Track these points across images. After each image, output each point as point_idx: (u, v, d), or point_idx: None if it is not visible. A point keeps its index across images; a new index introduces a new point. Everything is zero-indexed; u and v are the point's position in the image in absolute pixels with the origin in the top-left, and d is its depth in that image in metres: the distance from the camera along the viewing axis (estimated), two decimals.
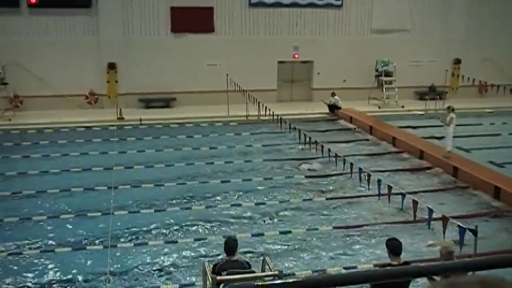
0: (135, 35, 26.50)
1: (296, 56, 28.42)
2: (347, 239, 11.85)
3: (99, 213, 13.03)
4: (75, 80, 25.32)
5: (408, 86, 28.22)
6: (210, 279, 6.79)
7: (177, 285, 9.71)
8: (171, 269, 10.50)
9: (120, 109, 23.84)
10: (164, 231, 12.24)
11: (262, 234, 11.90)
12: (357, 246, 11.53)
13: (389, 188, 12.25)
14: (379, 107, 26.82)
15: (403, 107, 26.69)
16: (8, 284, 9.90)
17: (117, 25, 26.03)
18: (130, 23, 26.43)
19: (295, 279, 2.59)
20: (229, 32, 27.53)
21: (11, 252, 11.18)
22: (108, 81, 26.26)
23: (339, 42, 28.27)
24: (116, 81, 26.25)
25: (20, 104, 25.27)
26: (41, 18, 25.42)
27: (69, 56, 25.52)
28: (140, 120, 23.45)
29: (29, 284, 9.94)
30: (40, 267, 10.53)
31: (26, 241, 11.69)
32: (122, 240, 11.67)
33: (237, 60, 26.54)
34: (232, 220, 12.85)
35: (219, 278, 6.82)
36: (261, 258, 8.23)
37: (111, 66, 26.12)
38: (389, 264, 7.34)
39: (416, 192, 13.86)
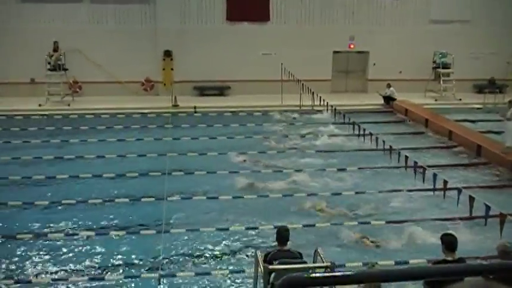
0: (191, 23, 26.77)
1: (352, 46, 28.09)
2: (401, 234, 11.67)
3: (153, 199, 13.26)
4: (132, 67, 25.78)
5: (466, 78, 27.41)
6: (262, 268, 6.83)
7: (227, 271, 9.80)
8: (222, 255, 10.61)
9: (175, 96, 24.16)
10: (217, 217, 12.36)
11: (313, 225, 11.87)
12: (414, 241, 11.33)
13: (445, 182, 12.00)
14: (436, 100, 26.26)
15: (460, 100, 26.06)
16: (63, 265, 10.20)
17: (173, 14, 26.35)
18: (187, 11, 26.72)
19: (347, 273, 2.57)
20: (285, 21, 27.45)
21: (68, 233, 11.52)
22: (163, 69, 26.63)
23: (395, 32, 27.74)
24: (172, 69, 26.59)
25: (78, 90, 25.97)
26: (101, 6, 26.08)
27: (126, 44, 26.00)
28: (194, 108, 23.69)
29: (84, 266, 10.20)
30: (94, 250, 10.81)
31: (81, 222, 12.03)
32: (175, 225, 11.84)
33: (291, 50, 26.42)
34: (281, 210, 12.81)
35: (270, 267, 6.84)
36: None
37: (167, 54, 26.48)
38: (444, 260, 7.20)
39: (472, 187, 13.52)
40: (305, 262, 7.30)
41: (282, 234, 7.64)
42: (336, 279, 2.52)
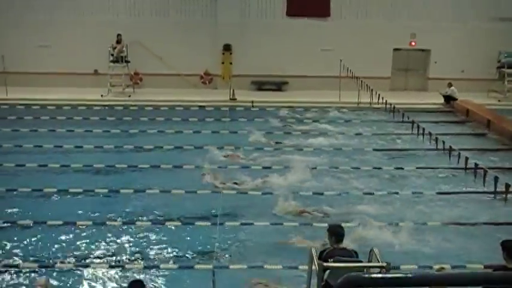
0: (251, 17, 26.90)
1: (413, 43, 27.59)
2: (457, 236, 11.44)
3: (209, 191, 13.41)
4: (191, 60, 26.11)
5: None
6: (316, 265, 6.82)
7: (281, 266, 9.82)
8: (276, 250, 10.63)
9: (233, 90, 24.33)
10: (270, 212, 12.38)
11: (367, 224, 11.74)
12: (468, 245, 11.09)
13: (507, 186, 11.68)
14: (499, 100, 25.51)
15: None
16: (120, 253, 10.45)
17: (234, 8, 26.53)
18: (247, 6, 26.87)
19: (404, 275, 2.54)
20: (345, 16, 27.21)
21: (126, 221, 11.78)
22: (222, 63, 26.84)
23: (459, 30, 27.02)
24: (231, 63, 26.78)
25: (139, 81, 26.52)
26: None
27: (187, 37, 26.33)
28: (252, 102, 23.80)
29: (140, 254, 10.41)
30: (150, 239, 11.01)
31: (138, 211, 12.27)
32: (230, 218, 11.94)
33: (351, 46, 26.16)
34: (331, 210, 12.72)
35: (325, 264, 6.82)
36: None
37: (227, 48, 26.68)
38: (504, 267, 6.99)
39: None
40: (360, 261, 7.24)
41: (337, 232, 7.59)
42: (396, 280, 2.50)
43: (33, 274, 9.51)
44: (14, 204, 12.60)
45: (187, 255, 10.37)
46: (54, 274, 9.47)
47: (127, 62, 25.42)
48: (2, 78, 23.23)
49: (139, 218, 11.95)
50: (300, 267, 9.37)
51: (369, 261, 7.15)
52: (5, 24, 25.76)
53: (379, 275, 2.38)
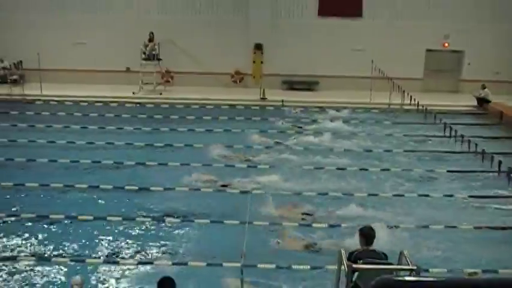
0: (283, 17, 26.90)
1: (446, 44, 27.24)
2: (489, 240, 11.27)
3: (238, 190, 13.43)
4: (222, 59, 26.20)
5: None
6: (345, 267, 6.78)
7: (308, 267, 9.79)
8: (304, 251, 10.61)
9: (264, 89, 24.35)
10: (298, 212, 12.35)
11: (398, 226, 11.65)
12: (500, 250, 10.92)
13: None
14: None
15: None
16: (150, 249, 10.53)
17: (266, 7, 26.54)
18: (279, 5, 26.87)
19: (437, 279, 2.51)
20: (377, 17, 26.99)
21: (155, 218, 11.87)
22: (254, 62, 26.88)
23: (493, 31, 26.56)
24: (262, 62, 26.80)
25: (170, 79, 26.72)
26: None
27: (218, 36, 26.45)
28: (282, 101, 23.77)
29: (169, 250, 10.50)
30: (179, 236, 11.09)
31: (167, 209, 12.35)
32: (258, 217, 11.94)
33: (383, 47, 25.95)
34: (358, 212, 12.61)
35: (354, 266, 6.78)
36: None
37: (258, 47, 26.71)
38: None
39: None
40: (390, 263, 7.18)
41: (368, 234, 7.54)
42: (429, 284, 2.47)
43: (64, 267, 9.67)
44: (46, 199, 12.83)
45: (215, 252, 10.40)
46: (84, 269, 9.61)
47: (159, 60, 25.62)
48: (37, 75, 23.67)
49: (169, 215, 12.03)
50: (328, 267, 9.34)
51: (399, 264, 7.09)
52: (40, 22, 26.19)
53: (412, 278, 2.35)
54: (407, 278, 2.31)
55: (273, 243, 10.94)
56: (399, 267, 6.95)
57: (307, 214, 12.23)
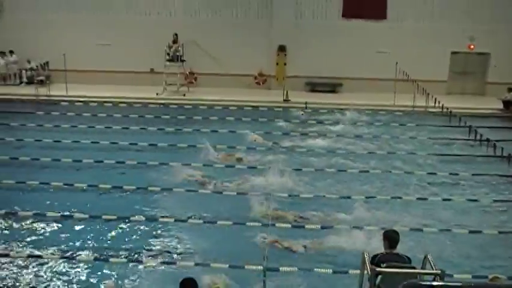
0: (307, 18, 26.88)
1: (472, 47, 26.95)
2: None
3: (259, 193, 13.41)
4: (245, 61, 26.27)
5: None
6: (369, 270, 6.74)
7: (331, 270, 9.75)
8: (327, 253, 10.56)
9: (287, 91, 24.35)
10: (320, 215, 12.29)
11: (421, 230, 11.55)
12: None
13: None
14: None
15: None
16: (173, 249, 10.59)
17: (289, 9, 26.54)
18: (303, 7, 26.85)
19: (462, 284, 2.48)
20: (402, 19, 26.81)
21: (177, 219, 11.91)
22: (277, 63, 26.89)
23: None
24: (285, 64, 26.80)
25: (194, 81, 26.87)
26: (218, 0, 26.82)
27: (242, 37, 26.50)
28: (305, 103, 23.72)
29: (192, 251, 10.53)
30: (201, 237, 11.09)
31: (189, 210, 12.38)
32: (281, 219, 11.93)
33: (407, 49, 25.78)
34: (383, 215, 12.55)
35: (378, 269, 6.74)
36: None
37: (281, 49, 26.73)
38: None
39: None
40: (414, 267, 7.12)
41: (392, 237, 7.50)
42: None
43: (88, 265, 9.78)
44: (71, 198, 12.97)
45: (237, 254, 10.40)
46: (109, 268, 9.69)
47: (182, 61, 25.76)
48: (62, 75, 23.98)
49: (192, 216, 12.07)
50: (351, 271, 9.30)
51: (423, 268, 7.03)
52: (66, 23, 26.52)
53: (439, 283, 2.33)
54: (434, 283, 2.29)
55: None
56: (423, 271, 6.90)
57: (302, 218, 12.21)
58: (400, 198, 13.39)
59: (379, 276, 6.85)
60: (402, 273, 6.71)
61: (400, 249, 7.70)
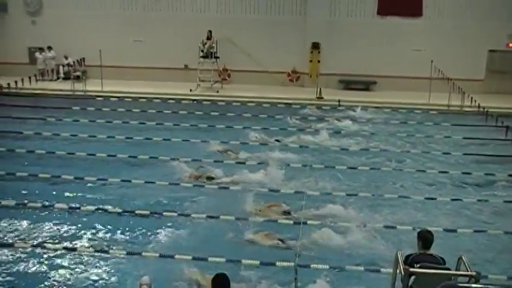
0: (341, 16, 26.72)
1: (510, 45, 26.43)
2: None
3: (293, 190, 13.39)
4: (279, 58, 26.29)
5: None
6: (402, 270, 6.68)
7: (362, 268, 9.68)
8: (359, 251, 10.49)
9: (320, 89, 24.27)
10: (353, 214, 12.21)
11: (455, 231, 11.39)
12: None
13: None
14: None
15: None
16: (203, 245, 10.61)
17: (324, 6, 26.44)
18: (337, 4, 26.73)
19: (500, 286, 2.43)
20: (438, 16, 26.45)
21: (209, 216, 11.94)
22: (310, 61, 26.82)
23: None
24: (319, 61, 26.72)
25: (227, 77, 26.96)
26: None
27: (275, 34, 26.52)
28: (339, 101, 23.59)
29: (222, 248, 10.55)
30: (232, 233, 11.07)
31: (221, 207, 12.32)
32: (313, 217, 11.89)
33: (443, 47, 25.48)
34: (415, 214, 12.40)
35: (411, 269, 6.66)
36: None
37: (315, 46, 26.64)
38: None
39: None
40: (448, 268, 7.02)
41: (426, 237, 7.40)
42: None
43: (118, 260, 9.89)
44: (104, 192, 13.14)
45: (268, 251, 10.41)
46: (140, 262, 9.78)
47: (216, 57, 25.88)
48: (98, 71, 24.32)
49: (224, 212, 12.10)
50: (383, 270, 9.23)
51: (457, 270, 6.93)
52: (101, 19, 26.88)
53: (477, 286, 2.28)
54: (473, 286, 2.25)
55: None
56: (458, 273, 6.79)
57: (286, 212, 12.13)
58: (434, 199, 13.22)
59: (412, 277, 6.76)
60: (436, 274, 6.63)
61: (433, 250, 7.60)
